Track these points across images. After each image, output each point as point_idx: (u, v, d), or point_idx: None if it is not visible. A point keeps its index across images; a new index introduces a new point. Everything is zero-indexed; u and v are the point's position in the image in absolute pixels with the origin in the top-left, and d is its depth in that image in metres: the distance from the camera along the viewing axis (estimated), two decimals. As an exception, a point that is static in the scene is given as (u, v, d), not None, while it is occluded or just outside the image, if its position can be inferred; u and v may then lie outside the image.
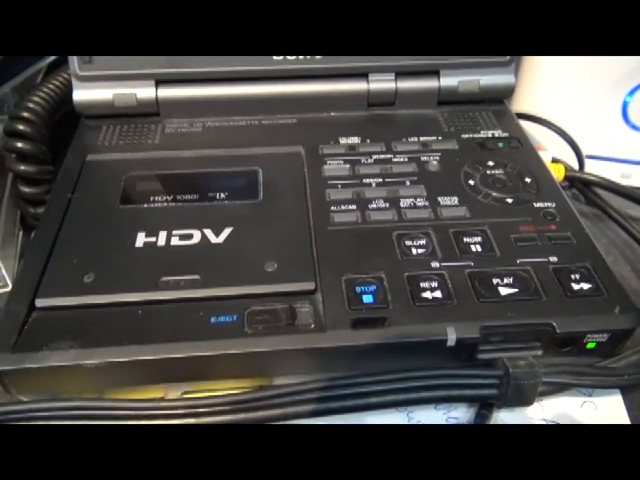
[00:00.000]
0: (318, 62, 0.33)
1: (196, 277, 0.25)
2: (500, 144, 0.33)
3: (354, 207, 0.28)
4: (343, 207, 0.28)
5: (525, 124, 0.37)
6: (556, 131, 0.38)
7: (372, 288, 0.24)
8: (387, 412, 0.24)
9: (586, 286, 0.24)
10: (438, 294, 0.24)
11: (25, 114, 0.31)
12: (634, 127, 0.38)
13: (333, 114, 0.34)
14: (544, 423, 0.24)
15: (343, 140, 0.32)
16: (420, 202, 0.28)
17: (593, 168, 0.38)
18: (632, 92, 0.36)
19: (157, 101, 0.33)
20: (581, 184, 0.37)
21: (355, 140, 0.32)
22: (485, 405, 0.24)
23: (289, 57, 0.33)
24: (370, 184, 0.30)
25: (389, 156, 0.31)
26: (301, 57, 0.33)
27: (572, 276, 0.25)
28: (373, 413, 0.24)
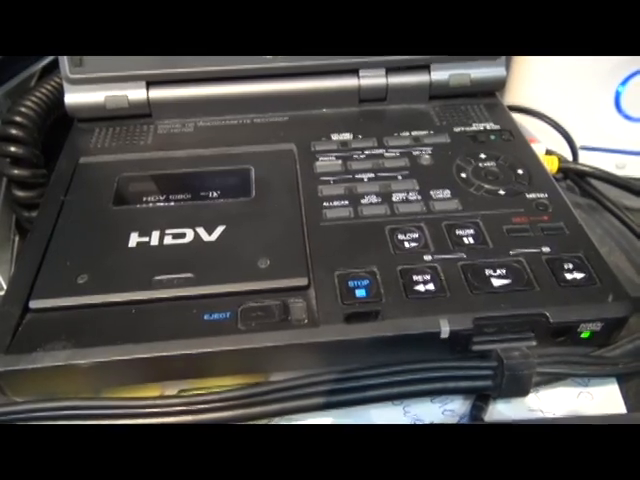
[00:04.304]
0: (308, 59, 0.33)
1: (189, 275, 0.25)
2: (492, 137, 0.33)
3: (346, 202, 0.28)
4: (335, 203, 0.28)
5: (517, 116, 0.37)
6: (549, 123, 0.38)
7: (365, 282, 0.24)
8: (383, 406, 0.24)
9: (579, 275, 0.24)
10: (431, 287, 0.24)
11: (18, 118, 0.31)
12: (627, 117, 0.37)
13: (324, 111, 0.34)
14: (541, 414, 0.24)
15: (335, 136, 0.32)
16: (412, 196, 0.29)
17: (587, 159, 0.38)
18: (624, 82, 0.36)
19: (149, 102, 0.33)
20: (575, 175, 0.36)
21: (347, 136, 0.33)
22: (481, 397, 0.24)
23: (279, 55, 0.33)
24: (362, 179, 0.30)
25: (381, 151, 0.31)
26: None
27: (565, 266, 0.25)
28: (369, 407, 0.24)
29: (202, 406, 0.22)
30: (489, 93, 0.36)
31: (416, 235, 0.26)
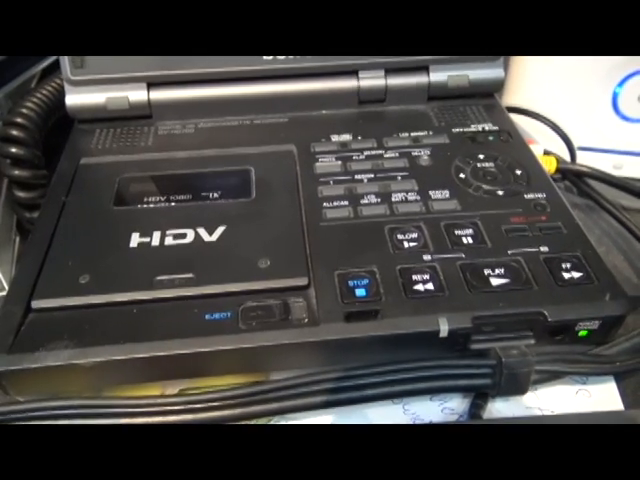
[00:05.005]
0: (308, 61, 0.33)
1: (190, 275, 0.25)
2: (490, 137, 0.33)
3: (346, 203, 0.28)
4: (335, 203, 0.28)
5: (516, 117, 0.37)
6: (547, 123, 0.38)
7: (364, 282, 0.24)
8: (382, 404, 0.24)
9: (577, 275, 0.25)
10: (430, 286, 0.24)
11: (19, 120, 0.31)
12: (624, 118, 0.38)
13: (324, 112, 0.35)
14: (539, 411, 0.24)
15: (335, 137, 0.33)
16: (411, 196, 0.29)
17: (585, 159, 0.38)
18: (622, 83, 0.37)
19: (149, 103, 0.33)
20: (573, 175, 0.37)
21: (346, 137, 0.33)
22: (480, 395, 0.24)
23: (279, 57, 0.33)
24: (362, 180, 0.30)
25: (380, 152, 0.32)
26: (291, 56, 0.33)
27: (563, 265, 0.25)
28: (368, 405, 0.24)
29: (202, 405, 0.22)
30: (487, 94, 0.36)
31: (415, 235, 0.27)
